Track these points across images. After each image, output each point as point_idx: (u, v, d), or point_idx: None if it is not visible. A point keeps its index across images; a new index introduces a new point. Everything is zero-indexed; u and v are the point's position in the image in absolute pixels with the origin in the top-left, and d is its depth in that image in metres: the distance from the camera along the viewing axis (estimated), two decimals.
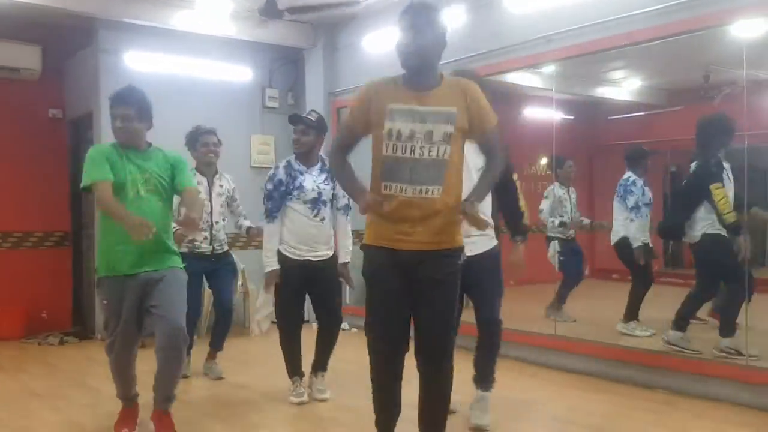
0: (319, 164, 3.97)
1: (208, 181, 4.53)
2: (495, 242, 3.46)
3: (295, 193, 3.86)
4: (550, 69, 5.19)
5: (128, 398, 3.40)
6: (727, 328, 4.29)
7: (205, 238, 4.43)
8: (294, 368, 3.99)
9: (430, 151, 2.49)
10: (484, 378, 3.51)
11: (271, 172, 3.98)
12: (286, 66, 7.00)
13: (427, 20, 2.52)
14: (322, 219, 3.91)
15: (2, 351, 5.49)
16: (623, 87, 7.96)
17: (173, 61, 6.20)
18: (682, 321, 4.47)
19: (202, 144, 4.52)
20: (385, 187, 2.53)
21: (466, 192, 2.61)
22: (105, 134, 5.15)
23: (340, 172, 2.73)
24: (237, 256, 6.43)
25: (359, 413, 3.62)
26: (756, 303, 4.43)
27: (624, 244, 5.32)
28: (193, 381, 4.46)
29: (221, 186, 4.60)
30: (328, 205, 3.94)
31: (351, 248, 4.03)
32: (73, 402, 3.96)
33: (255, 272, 6.30)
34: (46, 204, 6.27)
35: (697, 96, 7.20)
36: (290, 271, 3.87)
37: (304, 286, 3.95)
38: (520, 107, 7.75)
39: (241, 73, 6.64)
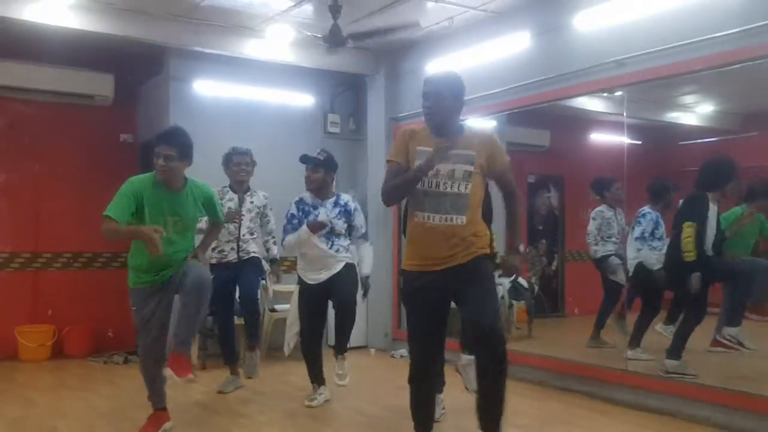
0: (333, 198, 4.34)
1: (239, 197, 4.79)
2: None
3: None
4: (620, 93, 5.03)
5: (157, 403, 3.65)
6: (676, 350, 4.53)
7: (233, 249, 4.70)
8: (314, 376, 4.42)
9: (452, 186, 2.91)
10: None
11: (288, 208, 4.40)
12: (347, 92, 7.04)
13: (446, 87, 2.98)
14: (337, 250, 4.26)
15: (70, 369, 5.63)
16: (695, 111, 7.69)
17: (239, 87, 6.35)
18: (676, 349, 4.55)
19: (235, 164, 4.80)
20: (413, 215, 2.98)
21: None
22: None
23: (393, 185, 3.01)
24: (294, 279, 6.50)
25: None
26: None
27: (637, 270, 5.28)
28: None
29: (252, 203, 4.85)
30: (342, 237, 4.29)
31: (371, 264, 4.47)
32: (135, 422, 3.98)
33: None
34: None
35: None
36: (307, 293, 4.31)
37: (323, 302, 4.34)
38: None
39: (304, 99, 6.72)
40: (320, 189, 4.32)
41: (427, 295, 2.98)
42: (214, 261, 4.62)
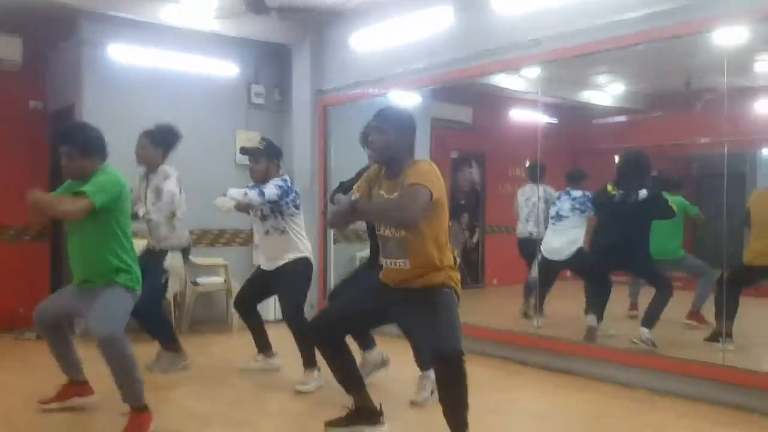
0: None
1: (147, 178, 4.59)
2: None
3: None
4: (535, 72, 5.23)
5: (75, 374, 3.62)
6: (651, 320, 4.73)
7: (147, 231, 4.54)
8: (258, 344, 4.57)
9: (392, 230, 2.90)
10: None
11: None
12: (272, 62, 6.97)
13: (391, 123, 2.93)
14: (267, 231, 4.27)
15: None
16: (607, 92, 8.05)
17: (158, 54, 6.14)
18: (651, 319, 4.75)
19: (136, 145, 4.58)
20: (379, 258, 3.09)
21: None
22: None
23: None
24: (220, 252, 6.48)
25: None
26: None
27: (583, 253, 5.42)
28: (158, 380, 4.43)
29: (153, 182, 4.55)
30: (272, 219, 4.23)
31: (238, 196, 4.07)
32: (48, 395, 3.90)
33: (240, 270, 6.30)
34: (25, 197, 6.15)
35: (678, 102, 7.32)
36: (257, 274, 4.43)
37: (261, 287, 4.43)
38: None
39: (227, 69, 6.60)
40: (264, 180, 4.24)
41: (382, 292, 3.04)
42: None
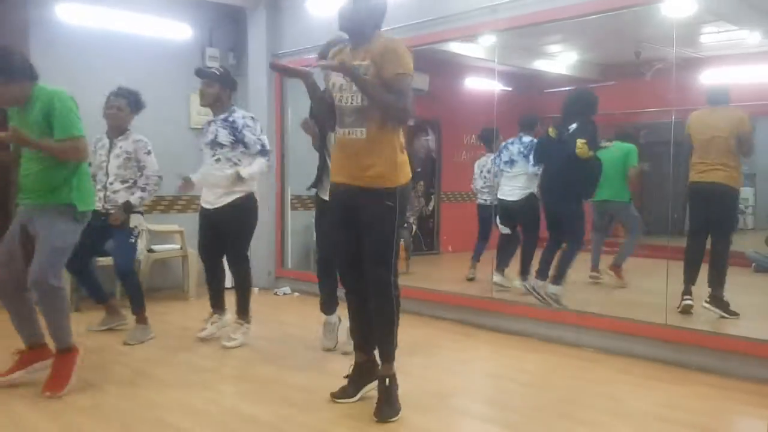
0: (225, 115, 4.29)
1: (110, 142, 4.54)
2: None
3: (201, 141, 4.41)
4: (491, 40, 5.29)
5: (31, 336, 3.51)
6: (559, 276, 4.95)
7: (99, 198, 4.38)
8: (213, 301, 4.54)
9: (353, 99, 2.95)
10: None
11: None
12: (227, 25, 6.85)
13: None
14: (218, 159, 4.26)
15: None
16: (559, 60, 8.18)
17: (108, 15, 5.95)
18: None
19: (107, 106, 4.53)
20: (336, 130, 3.07)
21: None
22: None
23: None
24: (176, 219, 6.42)
25: (305, 376, 3.70)
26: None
27: (532, 199, 5.65)
28: (118, 346, 4.42)
29: (120, 147, 4.52)
30: (227, 149, 4.24)
31: (254, 172, 4.28)
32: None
33: (196, 236, 6.24)
34: None
35: (629, 71, 7.49)
36: (200, 218, 4.46)
37: (214, 234, 4.39)
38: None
39: (180, 31, 6.45)
40: (214, 104, 4.30)
41: (341, 211, 3.09)
42: None
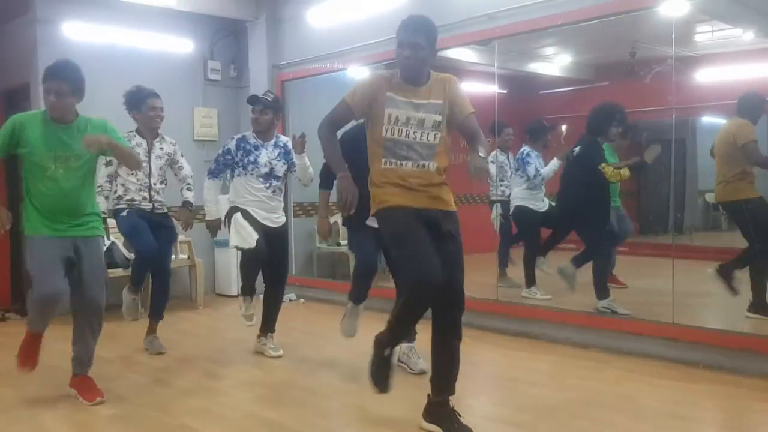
0: (274, 140, 4.34)
1: (147, 143, 4.54)
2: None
3: (250, 167, 4.23)
4: (490, 45, 5.36)
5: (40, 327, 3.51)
6: (602, 290, 4.79)
7: (144, 198, 4.48)
8: (248, 288, 4.29)
9: (422, 136, 2.88)
10: None
11: (226, 142, 4.37)
12: (227, 38, 6.92)
13: (424, 36, 2.87)
14: (274, 191, 4.29)
15: None
16: (554, 63, 8.26)
17: (113, 32, 6.05)
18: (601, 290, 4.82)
19: (150, 108, 4.51)
20: (384, 162, 2.90)
21: None
22: (42, 106, 4.98)
23: (328, 142, 2.95)
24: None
25: (318, 380, 3.77)
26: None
27: (520, 211, 5.70)
28: (135, 356, 4.48)
29: (161, 149, 4.60)
30: (281, 180, 4.30)
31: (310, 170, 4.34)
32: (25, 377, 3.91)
33: (202, 246, 6.32)
34: None
35: (623, 72, 7.57)
36: (252, 221, 4.17)
37: (263, 245, 4.17)
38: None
39: (183, 45, 6.53)
40: (268, 131, 4.33)
41: (417, 216, 2.87)
42: (124, 206, 4.43)
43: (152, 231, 4.44)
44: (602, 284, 4.82)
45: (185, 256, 6.23)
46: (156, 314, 4.61)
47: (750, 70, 6.55)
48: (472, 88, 7.72)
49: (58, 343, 3.77)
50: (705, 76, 6.77)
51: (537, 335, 4.71)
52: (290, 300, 6.45)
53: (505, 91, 7.59)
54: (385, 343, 2.90)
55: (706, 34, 6.74)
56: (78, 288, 3.38)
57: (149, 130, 4.53)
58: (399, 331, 2.94)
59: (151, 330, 4.60)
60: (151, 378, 3.94)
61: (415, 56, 2.84)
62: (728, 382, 3.65)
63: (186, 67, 6.59)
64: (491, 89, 5.57)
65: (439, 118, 2.90)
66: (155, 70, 6.32)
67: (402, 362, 3.85)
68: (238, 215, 4.16)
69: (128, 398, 3.53)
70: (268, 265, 4.30)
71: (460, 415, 2.96)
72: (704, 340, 3.97)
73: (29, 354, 3.45)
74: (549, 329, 4.68)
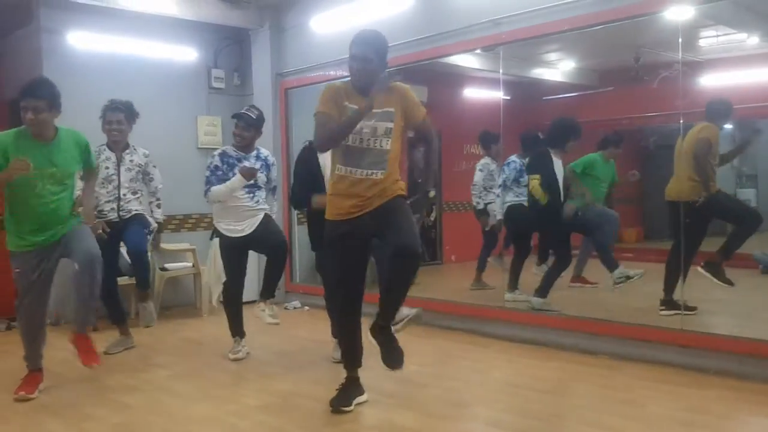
0: (255, 152, 4.46)
1: (117, 156, 4.62)
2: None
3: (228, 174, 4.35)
4: (495, 51, 5.36)
5: (34, 364, 3.70)
6: (544, 290, 5.04)
7: (112, 209, 4.59)
8: (236, 329, 4.52)
9: (374, 143, 3.12)
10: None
11: (209, 160, 4.44)
12: (231, 46, 6.93)
13: (373, 50, 3.14)
14: (257, 201, 4.40)
15: None
16: (558, 68, 8.26)
17: (117, 41, 6.06)
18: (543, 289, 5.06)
19: (106, 122, 4.65)
20: (339, 168, 3.17)
21: None
22: None
23: (324, 130, 3.13)
24: (187, 237, 6.48)
25: (324, 387, 3.75)
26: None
27: (513, 209, 5.78)
28: (141, 364, 4.46)
29: (131, 161, 4.69)
30: (263, 191, 4.45)
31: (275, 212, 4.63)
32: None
33: (206, 254, 6.28)
34: None
35: (627, 77, 7.57)
36: (230, 248, 4.37)
37: (244, 255, 4.50)
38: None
39: (186, 54, 6.54)
40: (248, 146, 4.44)
41: (351, 240, 3.20)
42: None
43: (122, 230, 4.57)
44: (548, 285, 5.04)
45: (189, 264, 6.23)
46: (141, 285, 4.70)
47: (755, 74, 6.56)
48: (477, 94, 7.76)
49: (63, 352, 3.76)
50: (710, 80, 6.76)
51: (544, 342, 4.68)
52: (294, 308, 6.44)
53: (509, 97, 7.62)
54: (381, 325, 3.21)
55: (710, 39, 6.74)
56: (71, 253, 3.53)
57: (115, 143, 4.64)
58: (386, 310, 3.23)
59: (141, 299, 4.69)
60: (157, 386, 3.92)
61: (365, 68, 3.11)
62: (740, 388, 3.62)
63: (190, 75, 6.60)
64: (496, 95, 5.56)
65: (390, 125, 3.13)
66: (159, 78, 6.35)
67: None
68: (217, 249, 4.41)
69: (134, 406, 3.52)
70: (262, 248, 4.50)
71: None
72: (713, 345, 3.94)
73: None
74: (556, 336, 4.65)
